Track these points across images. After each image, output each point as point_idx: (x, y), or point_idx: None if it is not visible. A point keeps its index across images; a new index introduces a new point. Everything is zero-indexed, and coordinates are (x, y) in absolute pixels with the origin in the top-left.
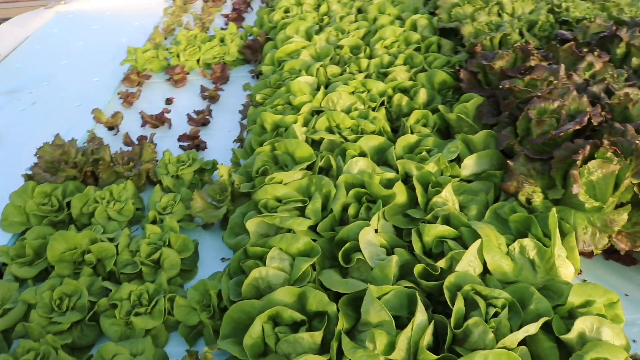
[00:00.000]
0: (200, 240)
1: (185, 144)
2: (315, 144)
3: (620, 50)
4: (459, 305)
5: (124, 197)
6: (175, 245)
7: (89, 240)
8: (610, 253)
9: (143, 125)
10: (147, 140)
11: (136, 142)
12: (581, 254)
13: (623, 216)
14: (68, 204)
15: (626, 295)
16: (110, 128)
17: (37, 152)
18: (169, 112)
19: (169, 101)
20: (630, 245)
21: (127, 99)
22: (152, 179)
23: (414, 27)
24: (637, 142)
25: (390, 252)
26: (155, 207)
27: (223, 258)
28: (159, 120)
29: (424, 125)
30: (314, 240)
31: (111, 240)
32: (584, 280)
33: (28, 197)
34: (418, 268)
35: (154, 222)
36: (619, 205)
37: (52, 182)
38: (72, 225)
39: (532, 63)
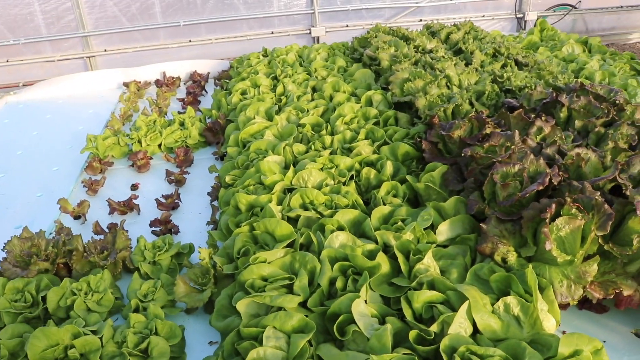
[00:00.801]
0: (185, 325)
1: (158, 229)
2: (291, 222)
3: (563, 114)
4: None
5: (102, 287)
6: (162, 332)
7: (71, 334)
8: (583, 303)
9: (111, 213)
10: (118, 228)
11: (106, 230)
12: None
13: (593, 267)
14: (43, 298)
15: (604, 342)
16: (77, 217)
17: (5, 247)
18: (136, 197)
19: (134, 187)
20: (603, 294)
21: (92, 187)
22: (128, 266)
23: (369, 103)
24: (596, 197)
25: (382, 322)
26: (136, 295)
27: (211, 342)
28: (127, 207)
29: (394, 196)
30: (306, 316)
31: (94, 332)
32: (564, 332)
33: None
34: (412, 334)
35: (136, 310)
36: (587, 257)
37: (24, 277)
38: (50, 321)
39: (488, 130)
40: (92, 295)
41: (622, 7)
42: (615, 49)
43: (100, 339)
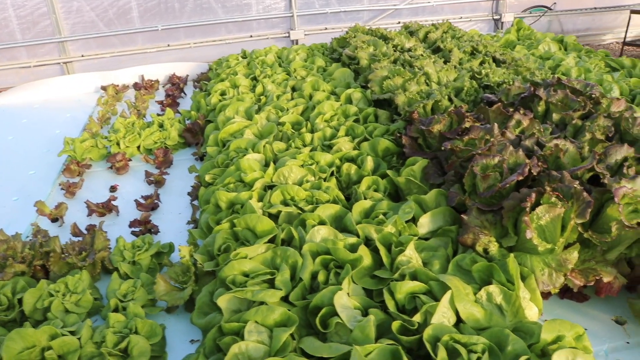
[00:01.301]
0: (165, 324)
1: (137, 229)
2: (272, 218)
3: (540, 108)
4: (442, 355)
5: (80, 288)
6: (142, 331)
7: (48, 335)
8: (564, 292)
9: (89, 215)
10: (97, 228)
11: (85, 232)
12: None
13: (574, 255)
14: (19, 300)
15: (585, 329)
16: (54, 220)
17: None
18: (115, 199)
19: (113, 189)
20: (584, 281)
21: (70, 190)
22: (107, 267)
23: (349, 101)
24: (575, 186)
25: (364, 314)
26: (115, 295)
27: (192, 340)
28: (106, 208)
29: (375, 191)
30: (288, 310)
31: (72, 333)
32: (545, 321)
33: None
34: (396, 325)
35: (116, 310)
36: (567, 246)
37: (0, 280)
38: (27, 323)
39: (467, 124)
40: (70, 296)
41: (595, 8)
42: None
43: (79, 339)
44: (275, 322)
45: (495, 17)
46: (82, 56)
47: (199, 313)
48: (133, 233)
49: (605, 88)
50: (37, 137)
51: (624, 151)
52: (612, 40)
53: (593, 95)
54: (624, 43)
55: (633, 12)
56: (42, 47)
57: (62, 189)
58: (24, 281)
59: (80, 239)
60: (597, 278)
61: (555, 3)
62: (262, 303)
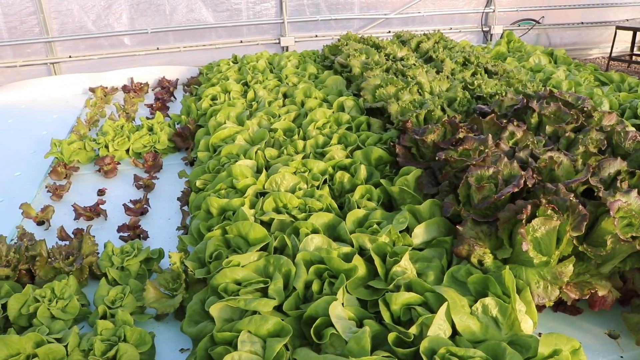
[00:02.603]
0: (155, 332)
1: (126, 234)
2: (264, 225)
3: (533, 120)
4: None
5: (67, 294)
6: (131, 339)
7: (33, 343)
8: (558, 305)
9: (77, 219)
10: (84, 233)
11: (72, 236)
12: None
13: (569, 268)
14: (3, 306)
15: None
16: (40, 223)
17: None
18: (103, 203)
19: (101, 192)
20: (579, 294)
21: (56, 192)
22: (95, 272)
23: (341, 109)
24: (570, 199)
25: (359, 325)
26: (103, 301)
27: (182, 349)
28: (94, 212)
29: (369, 200)
30: (282, 320)
31: (59, 340)
32: (539, 334)
33: None
34: (392, 336)
35: (103, 317)
36: (562, 259)
37: None
38: (11, 329)
39: (461, 135)
40: (56, 302)
41: (582, 23)
42: None
43: (65, 347)
44: (268, 332)
45: (484, 29)
46: (70, 57)
47: (189, 321)
48: (121, 238)
49: (596, 102)
50: (23, 138)
51: (617, 165)
52: (598, 55)
53: (585, 109)
54: (610, 58)
55: (619, 28)
56: (29, 47)
57: (48, 191)
58: (9, 286)
59: (67, 243)
60: (592, 292)
61: (543, 17)
62: (255, 312)
